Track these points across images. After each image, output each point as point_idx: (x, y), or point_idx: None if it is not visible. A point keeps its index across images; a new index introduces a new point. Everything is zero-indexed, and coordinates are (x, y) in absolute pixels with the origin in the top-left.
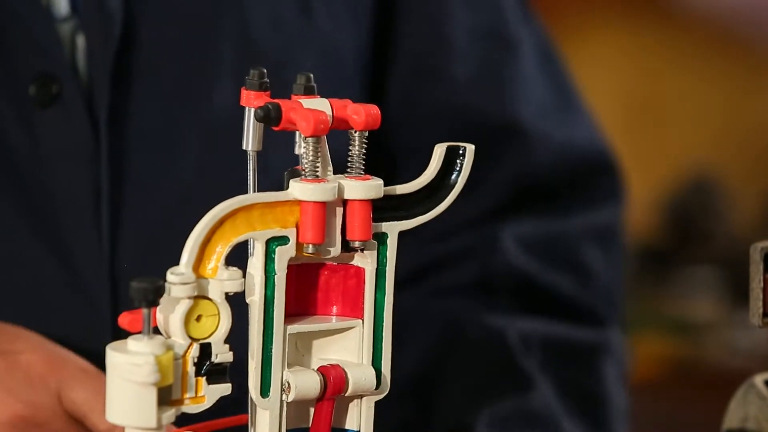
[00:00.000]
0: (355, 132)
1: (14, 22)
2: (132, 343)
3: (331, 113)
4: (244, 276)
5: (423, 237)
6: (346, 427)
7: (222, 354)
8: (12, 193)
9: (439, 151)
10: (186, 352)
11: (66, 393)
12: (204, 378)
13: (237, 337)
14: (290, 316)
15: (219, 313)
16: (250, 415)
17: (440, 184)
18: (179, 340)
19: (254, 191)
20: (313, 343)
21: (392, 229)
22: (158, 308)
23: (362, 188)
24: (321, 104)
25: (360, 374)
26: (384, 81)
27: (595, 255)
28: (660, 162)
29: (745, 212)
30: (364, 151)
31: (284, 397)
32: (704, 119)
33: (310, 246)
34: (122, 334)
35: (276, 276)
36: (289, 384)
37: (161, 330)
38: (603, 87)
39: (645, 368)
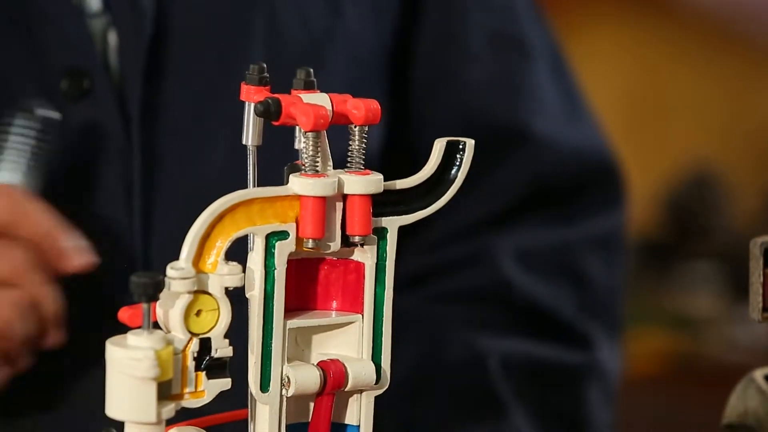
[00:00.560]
0: (355, 127)
1: (46, 18)
2: (132, 337)
3: (330, 108)
4: (244, 271)
5: (422, 243)
6: (346, 422)
7: (222, 349)
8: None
9: (439, 145)
10: (186, 346)
11: None
12: (204, 373)
13: (235, 334)
14: (290, 311)
15: (219, 308)
16: (249, 409)
17: (440, 179)
18: (179, 334)
19: (254, 186)
20: (312, 337)
21: (392, 223)
22: (158, 303)
23: (362, 183)
24: (321, 99)
25: (360, 369)
26: (404, 82)
27: (596, 264)
28: (660, 157)
29: (745, 207)
30: (364, 145)
31: (284, 391)
32: (704, 114)
33: (310, 241)
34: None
35: (276, 271)
36: (288, 379)
37: (161, 325)
38: (603, 82)
39: (645, 363)
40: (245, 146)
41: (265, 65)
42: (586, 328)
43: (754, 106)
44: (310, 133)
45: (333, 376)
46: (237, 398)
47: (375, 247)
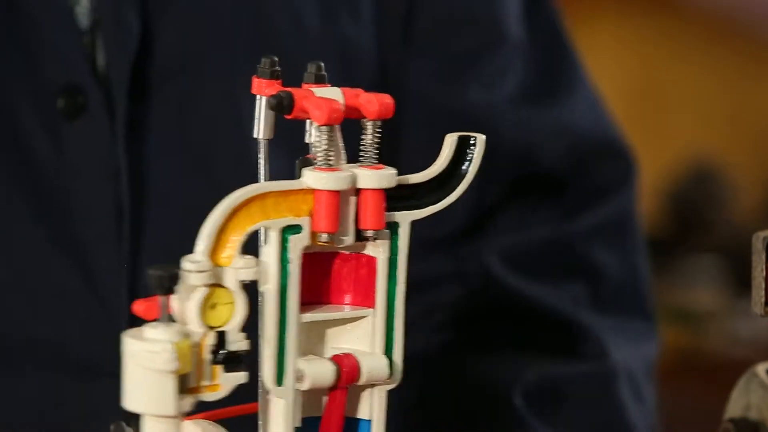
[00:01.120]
0: (368, 121)
1: (40, 34)
2: (149, 330)
3: (343, 102)
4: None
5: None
6: (358, 416)
7: (238, 342)
8: (36, 205)
9: (450, 140)
10: (201, 340)
11: None
12: (220, 366)
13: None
14: (303, 304)
15: (234, 301)
16: (260, 403)
17: (452, 174)
18: (195, 328)
19: (265, 180)
20: (325, 331)
21: (404, 218)
22: (173, 296)
23: (375, 177)
24: (333, 93)
25: (373, 363)
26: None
27: (606, 253)
28: (662, 151)
29: (748, 201)
30: (377, 140)
31: (298, 385)
32: (706, 108)
33: (324, 235)
34: None
35: (290, 264)
36: (303, 372)
37: (176, 318)
38: (604, 76)
39: None
40: (240, 161)
41: (276, 59)
42: (598, 333)
43: (755, 100)
44: (323, 127)
45: (347, 370)
46: (244, 392)
47: (387, 241)
